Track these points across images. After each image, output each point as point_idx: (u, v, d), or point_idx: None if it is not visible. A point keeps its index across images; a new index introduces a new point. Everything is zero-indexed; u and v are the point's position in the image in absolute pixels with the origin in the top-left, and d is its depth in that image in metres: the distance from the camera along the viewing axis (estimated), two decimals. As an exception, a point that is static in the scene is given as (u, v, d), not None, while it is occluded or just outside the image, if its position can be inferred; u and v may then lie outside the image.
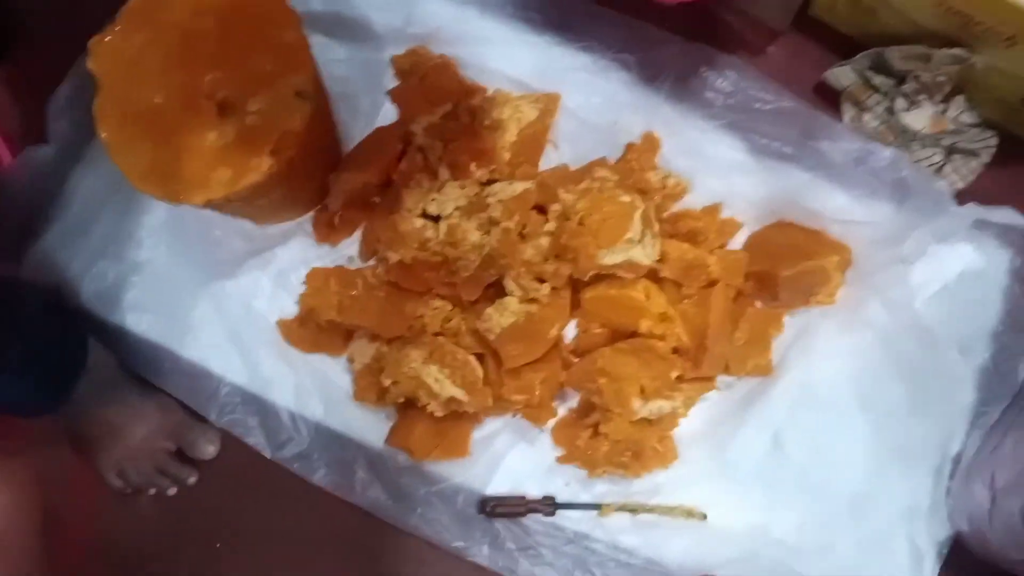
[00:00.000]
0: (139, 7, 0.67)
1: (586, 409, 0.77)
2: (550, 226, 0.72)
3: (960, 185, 0.78)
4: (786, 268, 0.76)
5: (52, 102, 0.83)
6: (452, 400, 0.72)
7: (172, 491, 0.80)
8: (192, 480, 0.80)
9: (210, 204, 0.66)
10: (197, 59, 0.66)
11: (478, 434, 0.78)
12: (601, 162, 0.77)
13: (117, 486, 0.80)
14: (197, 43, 0.66)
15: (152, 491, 0.80)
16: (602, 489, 0.77)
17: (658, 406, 0.72)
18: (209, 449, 0.80)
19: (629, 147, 0.77)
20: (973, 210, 0.74)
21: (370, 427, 0.78)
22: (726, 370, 0.77)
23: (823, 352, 0.77)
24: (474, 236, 0.72)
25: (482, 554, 0.76)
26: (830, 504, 0.75)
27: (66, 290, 0.83)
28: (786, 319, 0.79)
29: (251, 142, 0.65)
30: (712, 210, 0.79)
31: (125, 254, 0.83)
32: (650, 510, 0.75)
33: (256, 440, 0.79)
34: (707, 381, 0.77)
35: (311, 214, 0.82)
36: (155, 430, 0.79)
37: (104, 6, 0.69)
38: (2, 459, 0.57)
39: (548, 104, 0.81)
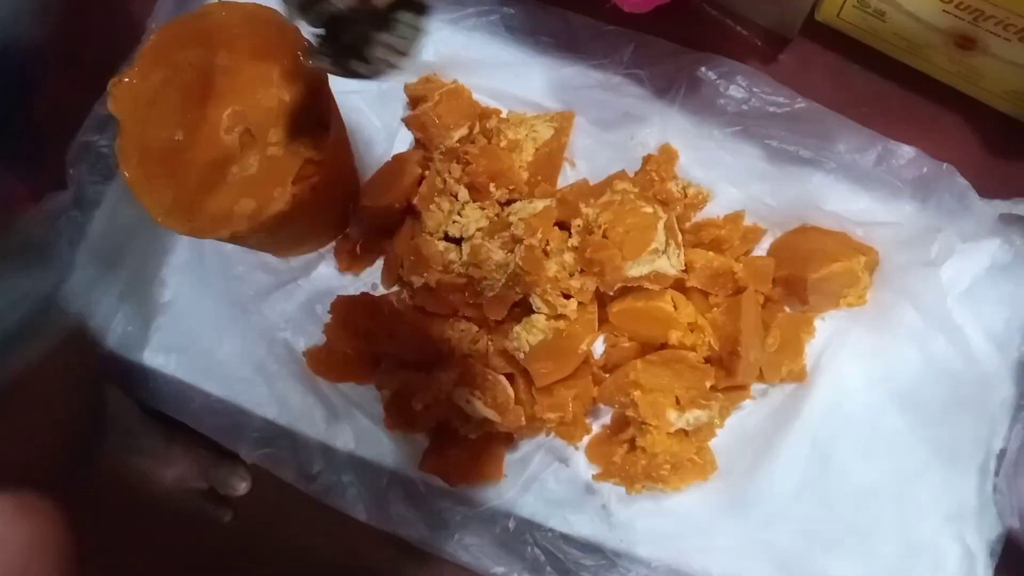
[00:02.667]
0: (155, 47, 0.68)
1: (620, 424, 0.76)
2: (574, 241, 0.72)
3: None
4: (814, 271, 0.75)
5: (71, 148, 0.84)
6: (485, 421, 0.72)
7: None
8: (228, 518, 0.79)
9: (234, 237, 0.66)
10: (216, 95, 0.67)
11: (512, 456, 0.77)
12: (621, 175, 0.77)
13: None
14: (215, 79, 0.67)
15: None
16: (642, 506, 0.76)
17: (695, 416, 0.71)
18: (241, 486, 0.79)
19: (647, 159, 0.77)
20: (997, 205, 0.74)
21: (403, 454, 0.78)
22: (760, 377, 0.76)
23: (856, 355, 0.76)
24: (498, 255, 0.72)
25: (522, 579, 0.75)
26: (874, 509, 0.73)
27: (92, 336, 0.83)
28: (817, 323, 0.78)
29: (273, 172, 0.65)
30: (735, 217, 0.79)
31: (149, 296, 0.84)
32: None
33: (288, 473, 0.78)
34: (742, 390, 0.76)
35: (333, 244, 0.83)
36: (185, 472, 0.79)
37: (117, 50, 0.70)
38: (21, 491, 0.56)
39: (563, 122, 0.81)
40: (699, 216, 0.80)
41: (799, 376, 0.76)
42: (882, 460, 0.74)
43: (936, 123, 0.82)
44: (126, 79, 0.68)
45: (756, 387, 0.78)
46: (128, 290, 0.83)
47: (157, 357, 0.82)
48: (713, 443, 0.76)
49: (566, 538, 0.76)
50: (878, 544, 0.73)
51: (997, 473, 0.73)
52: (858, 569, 0.72)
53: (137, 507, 0.79)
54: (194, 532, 0.80)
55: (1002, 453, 0.73)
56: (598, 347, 0.78)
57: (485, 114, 0.81)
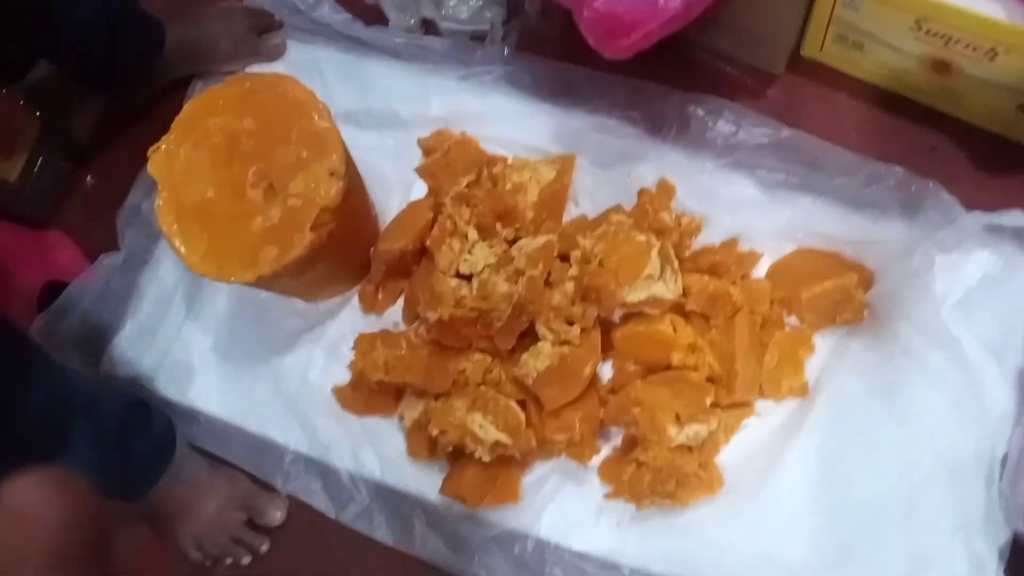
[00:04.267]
0: (188, 116, 0.77)
1: (629, 445, 0.80)
2: (573, 271, 0.77)
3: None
4: (807, 290, 0.79)
5: (121, 213, 0.93)
6: (497, 444, 0.76)
7: (247, 560, 0.85)
8: (264, 548, 0.85)
9: (260, 280, 0.73)
10: (241, 155, 0.75)
11: (528, 479, 0.81)
12: (616, 208, 0.82)
13: (196, 559, 0.85)
14: (240, 141, 0.75)
15: (228, 561, 0.85)
16: (654, 523, 0.78)
17: (694, 431, 0.74)
18: (277, 515, 0.85)
19: (641, 192, 0.82)
20: (980, 216, 0.76)
21: (425, 481, 0.82)
22: (761, 394, 0.79)
23: (856, 370, 0.78)
24: (503, 287, 0.77)
25: (541, 598, 0.78)
26: (882, 522, 0.75)
27: (142, 382, 0.91)
28: (818, 341, 0.81)
29: (293, 221, 0.72)
30: (730, 244, 0.83)
31: (192, 344, 0.92)
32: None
33: (320, 503, 0.84)
34: (744, 407, 0.79)
35: (357, 288, 0.89)
36: (226, 502, 0.85)
37: (161, 123, 0.79)
38: (57, 471, 0.58)
39: (565, 164, 0.87)
40: (697, 244, 0.84)
41: (801, 391, 0.79)
42: (886, 473, 0.76)
43: (922, 144, 0.85)
44: (163, 146, 0.76)
45: (761, 405, 0.80)
46: (173, 339, 0.91)
47: (199, 398, 0.89)
48: (721, 460, 0.79)
49: (583, 557, 0.79)
50: (888, 557, 0.74)
51: (1001, 479, 0.74)
52: (868, 580, 0.74)
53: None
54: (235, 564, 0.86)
55: (1004, 459, 0.74)
56: (607, 372, 0.83)
57: (491, 161, 0.88)
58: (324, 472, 0.85)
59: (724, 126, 0.84)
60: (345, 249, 0.81)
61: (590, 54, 0.72)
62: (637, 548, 0.78)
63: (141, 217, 0.93)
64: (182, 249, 0.73)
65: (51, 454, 0.71)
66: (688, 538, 0.78)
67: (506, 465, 0.79)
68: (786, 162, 0.83)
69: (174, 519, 0.84)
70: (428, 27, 0.97)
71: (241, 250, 0.73)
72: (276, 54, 1.00)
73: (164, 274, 0.93)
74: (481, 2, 0.93)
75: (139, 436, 0.80)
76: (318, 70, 0.96)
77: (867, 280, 0.80)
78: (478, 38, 0.94)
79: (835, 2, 0.79)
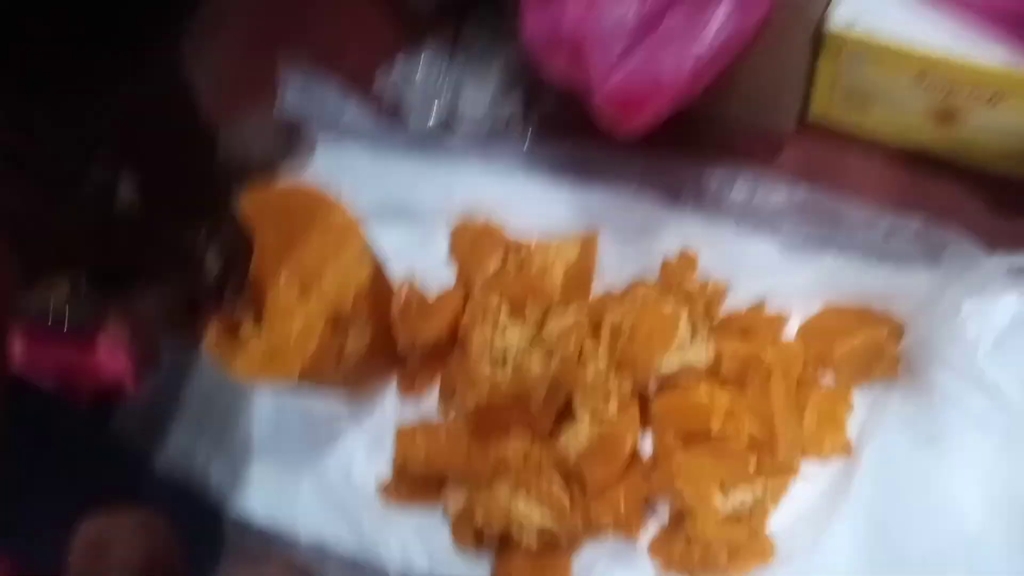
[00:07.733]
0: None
1: (678, 519, 0.79)
2: (603, 347, 0.78)
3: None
4: (839, 348, 0.79)
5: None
6: (543, 532, 0.76)
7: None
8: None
9: (304, 377, 0.75)
10: (268, 265, 0.78)
11: (577, 564, 0.80)
12: (640, 282, 0.84)
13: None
14: (265, 254, 0.78)
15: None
16: (709, 598, 0.77)
17: (740, 499, 0.74)
18: None
19: (664, 264, 0.84)
20: (1003, 259, 0.76)
21: (475, 571, 0.82)
22: (804, 454, 0.79)
23: (896, 423, 0.77)
24: (536, 368, 0.78)
25: None
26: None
27: (194, 484, 0.92)
28: (857, 398, 0.81)
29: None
30: (758, 307, 0.84)
31: (238, 444, 0.93)
32: None
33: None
34: (789, 470, 0.79)
35: (394, 378, 0.91)
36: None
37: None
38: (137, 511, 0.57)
39: (588, 243, 0.89)
40: (724, 310, 0.85)
41: (844, 450, 0.78)
42: (942, 525, 0.74)
43: (938, 194, 0.86)
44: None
45: (806, 468, 0.80)
46: (220, 441, 0.93)
47: (247, 498, 0.90)
48: (771, 527, 0.78)
49: (639, 637, 0.78)
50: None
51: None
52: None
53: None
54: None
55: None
56: (648, 447, 0.83)
57: (516, 247, 0.90)
58: (372, 571, 0.85)
59: (740, 191, 0.86)
60: (380, 336, 0.83)
61: (607, 134, 0.75)
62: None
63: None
64: (231, 366, 0.76)
65: None
66: (746, 609, 0.76)
67: (554, 551, 0.79)
68: (805, 221, 0.84)
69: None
70: (448, 122, 1.01)
71: (283, 353, 0.75)
72: None
73: (207, 380, 0.96)
74: (498, 97, 0.97)
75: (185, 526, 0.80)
76: (347, 169, 1.00)
77: (897, 331, 0.80)
78: (498, 131, 0.98)
79: (836, 63, 0.81)
